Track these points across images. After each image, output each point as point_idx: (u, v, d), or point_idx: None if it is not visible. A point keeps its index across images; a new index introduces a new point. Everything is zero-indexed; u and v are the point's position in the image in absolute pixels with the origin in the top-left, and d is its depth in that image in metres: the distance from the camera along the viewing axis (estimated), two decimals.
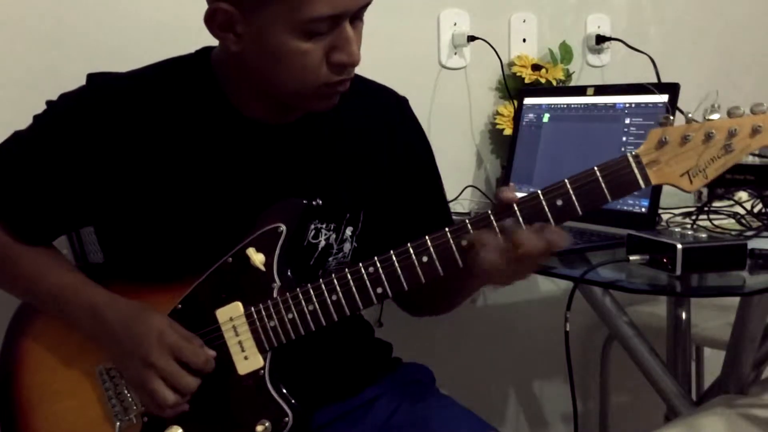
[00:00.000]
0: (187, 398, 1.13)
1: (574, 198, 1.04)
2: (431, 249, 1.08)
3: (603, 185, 1.03)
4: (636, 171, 1.03)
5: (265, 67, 1.13)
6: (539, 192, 1.05)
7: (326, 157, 1.25)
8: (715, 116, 1.02)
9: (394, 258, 1.09)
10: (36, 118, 1.24)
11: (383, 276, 1.10)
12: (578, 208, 1.04)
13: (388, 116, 1.32)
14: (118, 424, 1.18)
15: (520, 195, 1.06)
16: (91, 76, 1.24)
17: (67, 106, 1.22)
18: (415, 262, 1.08)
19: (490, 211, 1.06)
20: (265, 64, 1.12)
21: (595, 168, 1.04)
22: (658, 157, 1.03)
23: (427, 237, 1.08)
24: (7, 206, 1.22)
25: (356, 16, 1.11)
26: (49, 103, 1.25)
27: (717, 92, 1.03)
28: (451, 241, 1.07)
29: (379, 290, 1.10)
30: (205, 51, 1.24)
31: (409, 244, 1.09)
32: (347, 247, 1.26)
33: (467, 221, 1.07)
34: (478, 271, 1.06)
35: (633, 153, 1.04)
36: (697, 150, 1.03)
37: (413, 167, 1.33)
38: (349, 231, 1.26)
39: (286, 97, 1.17)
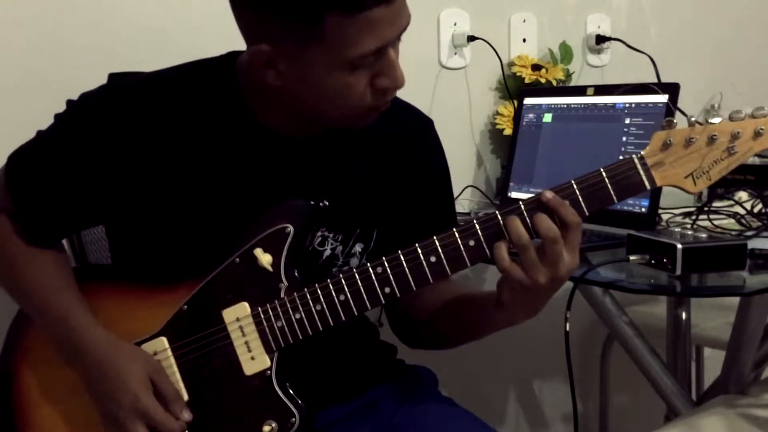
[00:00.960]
0: None
1: (580, 199, 1.05)
2: (439, 249, 1.08)
3: (609, 186, 1.04)
4: (641, 172, 1.04)
5: (307, 100, 1.13)
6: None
7: (343, 170, 1.25)
8: (716, 119, 1.03)
9: (402, 258, 1.09)
10: (57, 117, 1.24)
11: (391, 276, 1.10)
12: (585, 209, 1.05)
13: (411, 136, 1.31)
14: None
15: (521, 196, 1.07)
16: (112, 76, 1.23)
17: (87, 105, 1.22)
18: (423, 262, 1.09)
19: (496, 211, 1.07)
20: (307, 97, 1.13)
21: (601, 169, 1.05)
22: (662, 159, 1.04)
23: (435, 237, 1.09)
24: (26, 205, 1.22)
25: (396, 38, 1.11)
26: (69, 102, 1.25)
27: (720, 94, 1.04)
28: (459, 240, 1.08)
29: (387, 290, 1.10)
30: (230, 57, 1.23)
31: (417, 245, 1.09)
32: (354, 262, 1.26)
33: (474, 221, 1.08)
34: (506, 277, 1.07)
35: (638, 155, 1.05)
36: (701, 152, 1.04)
37: (429, 190, 1.32)
38: (358, 247, 1.25)
39: (326, 121, 1.18)
